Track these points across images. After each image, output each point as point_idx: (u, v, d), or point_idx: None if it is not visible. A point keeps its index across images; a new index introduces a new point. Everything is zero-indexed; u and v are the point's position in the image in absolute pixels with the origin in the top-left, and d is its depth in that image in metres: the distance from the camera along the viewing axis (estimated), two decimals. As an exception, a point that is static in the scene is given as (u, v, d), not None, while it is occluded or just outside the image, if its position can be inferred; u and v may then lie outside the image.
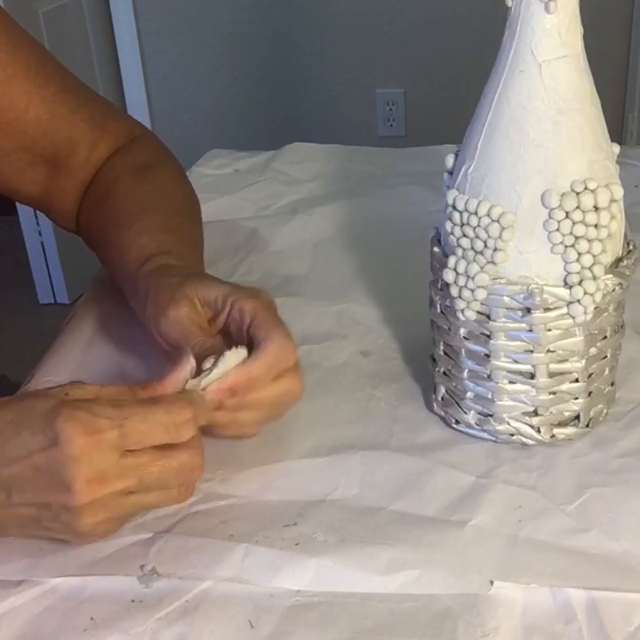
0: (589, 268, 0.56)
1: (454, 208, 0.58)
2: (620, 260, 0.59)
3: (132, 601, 0.51)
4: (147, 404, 0.53)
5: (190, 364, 0.56)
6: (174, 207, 0.77)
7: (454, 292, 0.59)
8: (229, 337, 0.62)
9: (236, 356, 0.57)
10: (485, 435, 0.62)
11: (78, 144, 0.79)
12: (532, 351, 0.58)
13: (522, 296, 0.57)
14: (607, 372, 0.62)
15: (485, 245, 0.57)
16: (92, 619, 0.50)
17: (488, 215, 0.56)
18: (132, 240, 0.71)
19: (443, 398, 0.64)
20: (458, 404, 0.63)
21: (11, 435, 0.51)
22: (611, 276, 0.57)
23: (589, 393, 0.61)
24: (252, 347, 0.58)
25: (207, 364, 0.57)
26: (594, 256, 0.55)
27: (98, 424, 0.50)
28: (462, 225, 0.57)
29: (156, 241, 0.70)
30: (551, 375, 0.59)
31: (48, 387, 0.55)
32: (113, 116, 0.82)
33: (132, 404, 0.53)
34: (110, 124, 0.81)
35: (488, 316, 0.58)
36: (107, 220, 0.77)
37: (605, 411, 0.63)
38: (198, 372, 0.56)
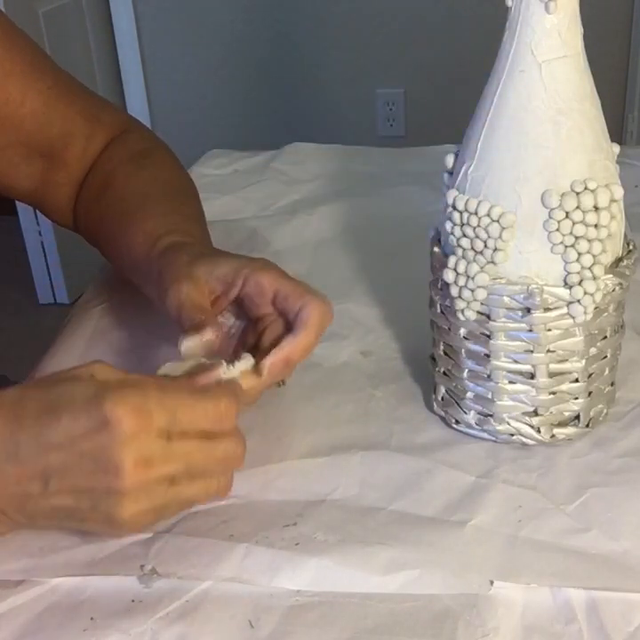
0: (589, 268, 0.56)
1: (454, 208, 0.58)
2: (619, 260, 0.59)
3: (132, 601, 0.51)
4: (193, 391, 0.53)
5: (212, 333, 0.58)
6: (174, 189, 0.77)
7: (454, 291, 0.59)
8: (244, 309, 0.63)
9: (244, 364, 0.58)
10: (485, 435, 0.62)
11: (73, 137, 0.80)
12: (531, 351, 0.58)
13: (522, 296, 0.57)
14: (607, 372, 0.62)
15: (485, 245, 0.57)
16: (92, 619, 0.50)
17: (488, 215, 0.56)
18: (137, 227, 0.71)
19: (443, 398, 0.64)
20: (458, 404, 0.63)
21: (48, 421, 0.49)
22: (611, 276, 0.57)
23: (589, 393, 0.61)
24: (285, 319, 0.61)
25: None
26: (594, 256, 0.55)
27: (148, 406, 0.49)
28: (462, 225, 0.57)
29: (161, 223, 0.70)
30: (551, 375, 0.59)
31: (70, 368, 0.53)
32: (106, 110, 0.83)
33: (177, 389, 0.52)
34: (104, 117, 0.82)
35: (488, 316, 0.58)
36: (107, 211, 0.77)
37: (605, 411, 0.63)
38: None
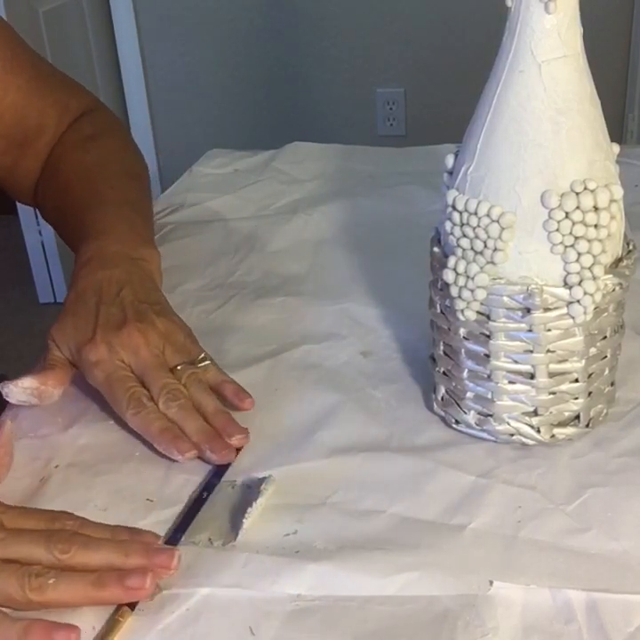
0: (589, 269, 0.56)
1: (454, 208, 0.58)
2: (619, 260, 0.59)
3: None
4: None
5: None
6: (113, 172, 0.79)
7: (454, 292, 0.59)
8: None
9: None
10: (485, 435, 0.62)
11: (46, 128, 0.82)
12: (531, 351, 0.58)
13: (522, 296, 0.57)
14: (607, 372, 0.62)
15: (485, 245, 0.57)
16: (94, 628, 0.49)
17: (488, 215, 0.56)
18: (70, 231, 0.76)
19: (443, 398, 0.64)
20: (458, 404, 0.63)
21: None
22: (610, 276, 0.57)
23: (589, 393, 0.61)
24: None
25: None
26: (594, 256, 0.55)
27: None
28: (462, 225, 0.57)
29: (83, 226, 0.73)
30: (551, 375, 0.59)
31: None
32: (75, 95, 0.86)
33: None
34: (73, 104, 0.84)
35: (488, 317, 0.58)
36: (56, 198, 0.80)
37: (605, 411, 0.63)
38: None
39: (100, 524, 0.54)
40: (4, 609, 0.49)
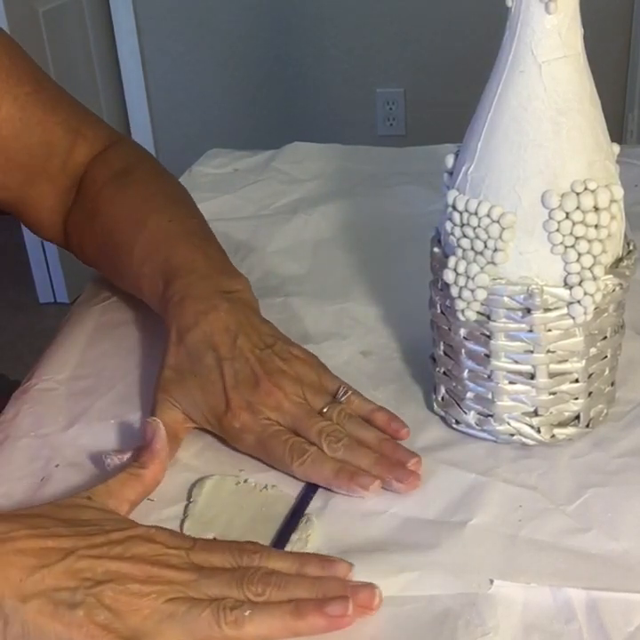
0: (589, 269, 0.56)
1: (454, 208, 0.58)
2: (620, 260, 0.59)
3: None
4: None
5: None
6: (162, 204, 0.76)
7: (454, 292, 0.59)
8: None
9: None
10: (485, 435, 0.62)
11: (54, 148, 0.78)
12: (532, 351, 0.58)
13: (522, 296, 0.57)
14: (607, 372, 0.62)
15: (485, 246, 0.57)
16: None
17: (488, 216, 0.56)
18: (138, 271, 0.72)
19: (443, 398, 0.64)
20: (458, 405, 0.63)
21: None
22: (611, 276, 0.57)
23: (589, 393, 0.61)
24: None
25: None
26: (594, 256, 0.55)
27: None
28: (462, 225, 0.57)
29: (159, 265, 0.70)
30: (551, 375, 0.59)
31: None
32: (89, 123, 0.82)
33: None
34: (86, 130, 0.80)
35: (488, 317, 0.58)
36: (102, 243, 0.76)
37: (605, 411, 0.63)
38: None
39: (285, 554, 0.52)
40: None
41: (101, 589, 0.47)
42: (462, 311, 0.59)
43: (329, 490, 0.58)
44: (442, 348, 0.63)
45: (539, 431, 0.60)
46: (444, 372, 0.64)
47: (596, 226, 0.55)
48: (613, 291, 0.58)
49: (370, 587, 0.50)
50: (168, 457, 0.60)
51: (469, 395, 0.62)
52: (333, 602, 0.48)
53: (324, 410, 0.62)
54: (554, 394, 0.60)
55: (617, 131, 2.45)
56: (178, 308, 0.66)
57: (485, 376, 0.60)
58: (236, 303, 0.66)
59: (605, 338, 0.60)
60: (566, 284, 0.56)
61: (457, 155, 0.59)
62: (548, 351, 0.58)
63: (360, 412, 0.63)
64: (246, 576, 0.49)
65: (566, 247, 0.55)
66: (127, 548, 0.50)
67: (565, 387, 0.60)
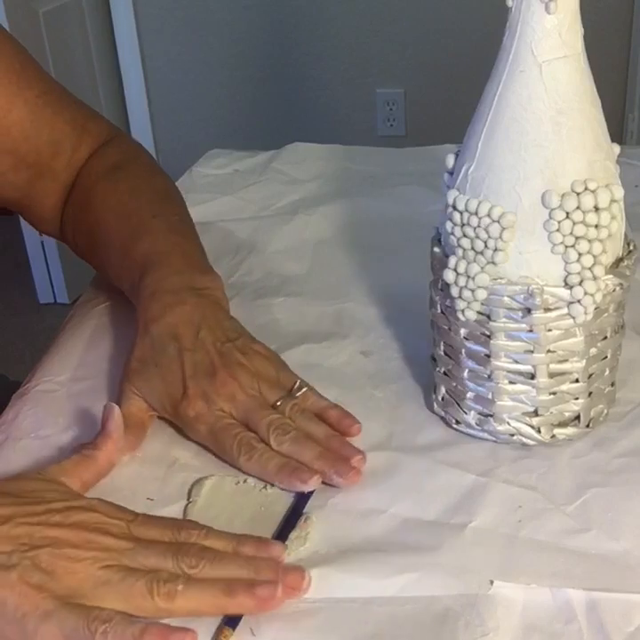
0: (590, 269, 0.56)
1: (454, 208, 0.58)
2: (620, 260, 0.59)
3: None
4: None
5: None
6: (150, 200, 0.78)
7: (454, 292, 0.59)
8: None
9: None
10: (485, 435, 0.62)
11: (61, 146, 0.80)
12: (532, 351, 0.58)
13: (522, 296, 0.57)
14: (607, 372, 0.62)
15: (486, 246, 0.57)
16: None
17: (488, 215, 0.56)
18: (120, 264, 0.74)
19: (443, 398, 0.64)
20: (458, 405, 0.63)
21: None
22: (611, 276, 0.57)
23: (590, 393, 0.61)
24: None
25: None
26: (594, 256, 0.55)
27: None
28: (462, 225, 0.57)
29: (137, 259, 0.71)
30: (551, 375, 0.59)
31: None
32: (92, 119, 0.84)
33: None
34: (91, 127, 0.82)
35: (488, 317, 0.58)
36: (91, 233, 0.78)
37: (605, 411, 0.63)
38: None
39: (223, 533, 0.53)
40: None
41: (37, 553, 0.48)
42: (462, 311, 0.59)
43: (329, 490, 0.58)
44: (442, 347, 0.63)
45: (539, 431, 0.60)
46: (444, 372, 0.64)
47: (597, 226, 0.55)
48: (613, 291, 0.58)
49: (299, 569, 0.51)
50: (134, 443, 0.62)
51: (469, 395, 0.62)
52: (264, 584, 0.49)
53: (278, 403, 0.63)
54: (554, 394, 0.60)
55: (617, 131, 2.45)
56: (148, 300, 0.67)
57: (485, 376, 0.60)
58: (204, 299, 0.68)
59: (605, 338, 0.60)
60: (566, 284, 0.56)
61: (457, 155, 0.59)
62: (549, 351, 0.58)
63: (314, 409, 0.64)
64: (182, 549, 0.50)
65: (566, 247, 0.55)
66: (67, 516, 0.51)
67: (565, 387, 0.60)
